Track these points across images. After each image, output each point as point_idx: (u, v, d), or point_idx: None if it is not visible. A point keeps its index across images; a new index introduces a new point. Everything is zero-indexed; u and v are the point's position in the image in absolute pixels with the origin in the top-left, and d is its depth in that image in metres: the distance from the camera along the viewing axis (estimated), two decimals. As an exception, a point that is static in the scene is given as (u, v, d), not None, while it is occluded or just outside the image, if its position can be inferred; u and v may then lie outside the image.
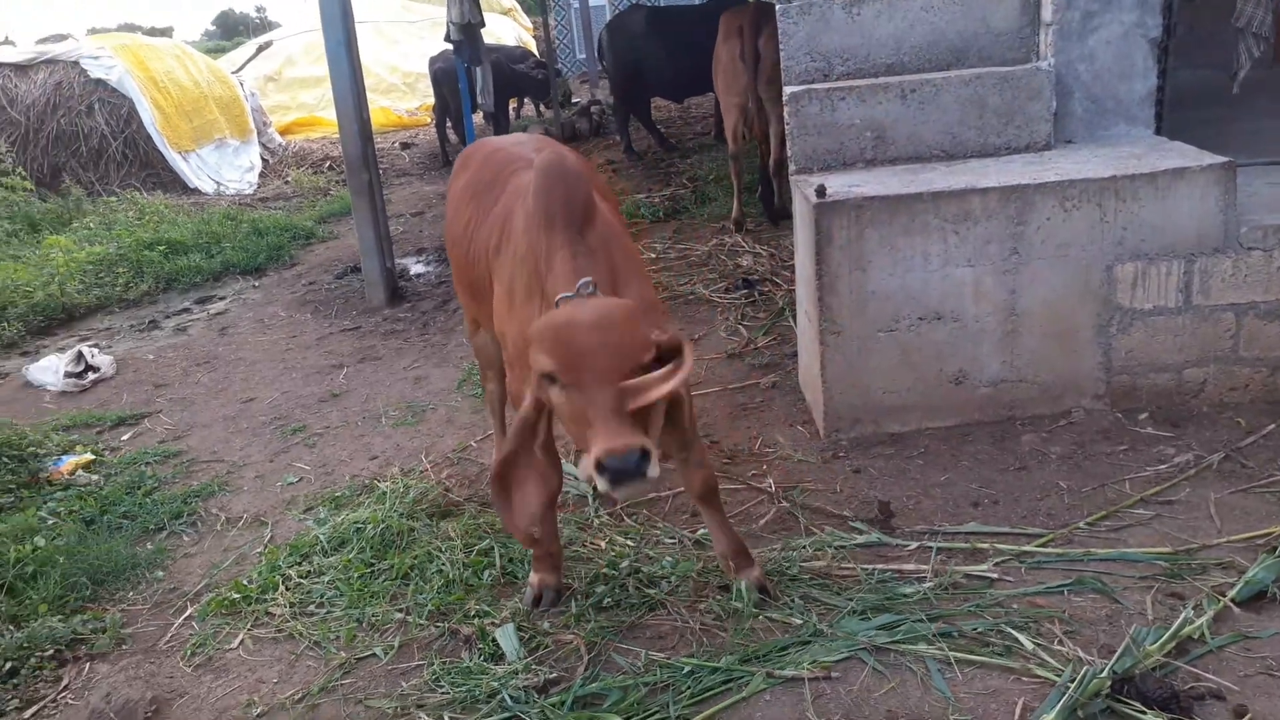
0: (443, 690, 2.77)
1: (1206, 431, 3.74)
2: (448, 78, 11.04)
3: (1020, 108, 4.25)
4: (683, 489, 3.71)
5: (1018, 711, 2.46)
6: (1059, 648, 2.65)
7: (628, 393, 2.21)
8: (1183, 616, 2.68)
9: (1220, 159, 3.80)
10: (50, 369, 5.78)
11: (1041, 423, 3.92)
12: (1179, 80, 6.02)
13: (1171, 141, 4.21)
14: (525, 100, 14.49)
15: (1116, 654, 2.55)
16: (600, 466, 2.12)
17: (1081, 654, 2.61)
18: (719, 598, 3.04)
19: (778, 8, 4.50)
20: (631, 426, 2.17)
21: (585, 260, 2.54)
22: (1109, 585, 2.90)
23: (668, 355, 2.37)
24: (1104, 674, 2.46)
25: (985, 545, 3.16)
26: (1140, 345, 3.92)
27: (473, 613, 3.09)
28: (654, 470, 2.14)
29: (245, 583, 3.41)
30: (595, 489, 2.21)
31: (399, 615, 3.14)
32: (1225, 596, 2.76)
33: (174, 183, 11.50)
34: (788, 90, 4.31)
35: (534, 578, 3.12)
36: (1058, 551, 3.10)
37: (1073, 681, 2.44)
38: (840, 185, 3.98)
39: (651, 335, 2.36)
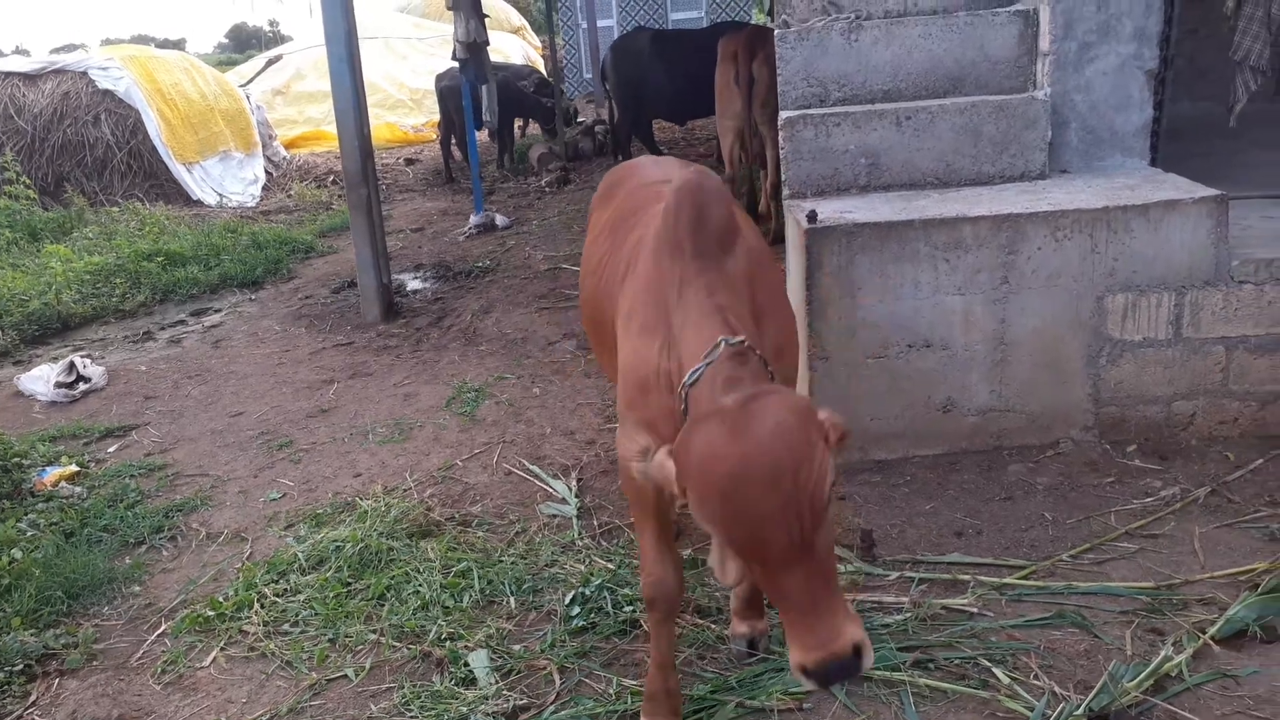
0: (411, 714, 2.74)
1: (1194, 465, 3.71)
2: (453, 95, 11.07)
3: (1015, 136, 4.24)
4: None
5: (991, 748, 2.42)
6: (1035, 682, 2.62)
7: (820, 562, 1.72)
8: (1162, 654, 2.64)
9: (1213, 191, 3.78)
10: (41, 378, 5.78)
11: (1029, 453, 3.89)
12: (1180, 112, 6.02)
13: (1166, 173, 4.19)
14: (530, 120, 14.53)
15: (1094, 690, 2.51)
16: (807, 672, 1.71)
17: (1057, 689, 2.57)
18: (697, 625, 3.01)
19: (776, 33, 4.51)
20: (836, 610, 1.72)
21: (725, 296, 2.17)
22: (1089, 619, 2.86)
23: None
24: (1079, 711, 2.43)
25: (966, 576, 3.12)
26: (1130, 377, 3.89)
27: (446, 635, 3.05)
28: (869, 659, 1.73)
29: (220, 600, 3.38)
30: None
31: (373, 636, 3.11)
32: (1205, 634, 2.72)
33: (177, 194, 11.55)
34: (783, 115, 4.31)
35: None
36: (1039, 584, 3.06)
37: (1045, 717, 2.41)
38: (832, 211, 3.97)
39: (827, 441, 1.79)
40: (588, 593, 3.19)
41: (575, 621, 3.07)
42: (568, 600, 3.18)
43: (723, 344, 2.02)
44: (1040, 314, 3.85)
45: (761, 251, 2.54)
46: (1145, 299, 3.82)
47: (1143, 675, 2.56)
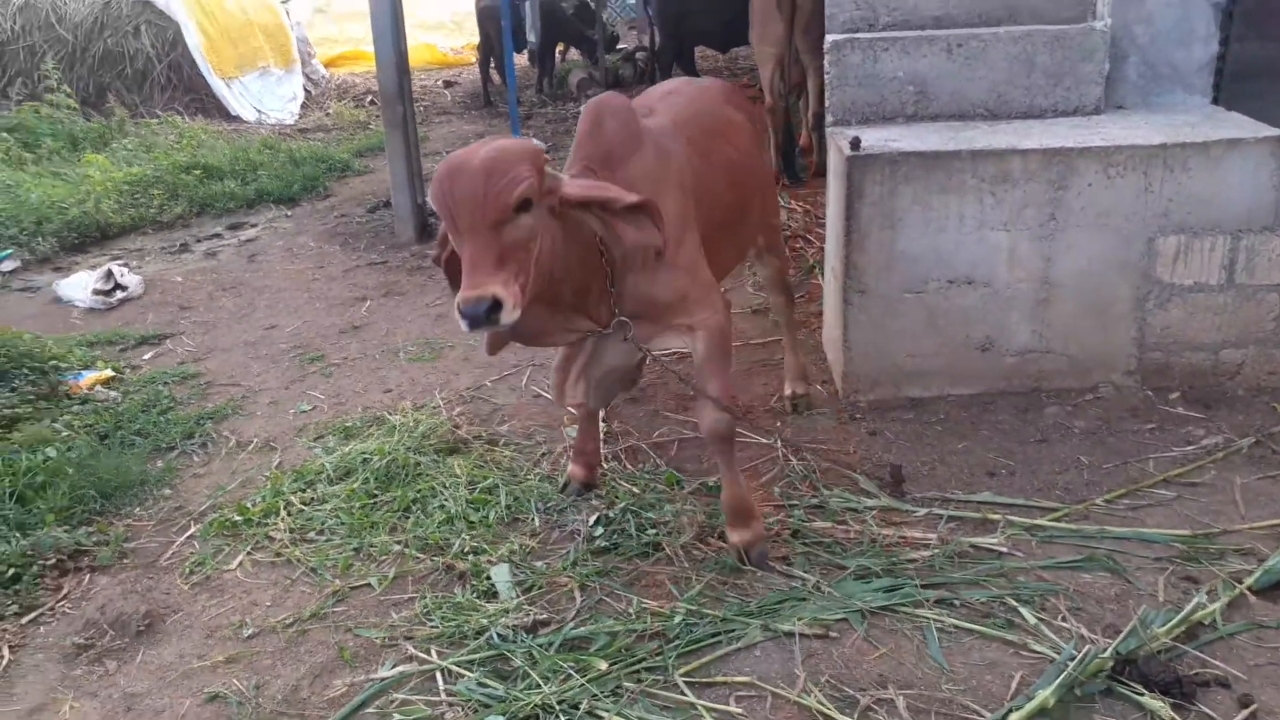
0: (432, 623, 2.76)
1: (1239, 415, 3.61)
2: (493, 16, 10.86)
3: (1071, 69, 4.08)
4: (695, 434, 3.67)
5: (1014, 685, 2.39)
6: (1063, 624, 2.58)
7: (491, 241, 2.30)
8: (1195, 601, 2.59)
9: (1277, 131, 3.63)
10: (79, 285, 5.81)
11: (1067, 396, 3.81)
12: (1251, 52, 5.75)
13: (1228, 112, 4.03)
14: (571, 45, 14.26)
15: (1122, 634, 2.47)
16: (459, 309, 2.25)
17: (1085, 632, 2.54)
18: (721, 549, 2.99)
19: (825, -47, 4.34)
20: (492, 272, 2.27)
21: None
22: (1121, 564, 2.81)
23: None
24: (1107, 654, 2.39)
25: (997, 516, 3.08)
26: (1177, 322, 3.78)
27: (469, 549, 3.06)
28: (508, 317, 2.25)
29: (248, 506, 3.41)
30: None
31: (397, 547, 3.12)
32: (1241, 583, 2.67)
33: (216, 109, 11.48)
34: (830, 38, 4.17)
35: (571, 468, 3.43)
36: (1071, 527, 3.01)
37: (1073, 659, 2.37)
38: (876, 139, 3.85)
39: (531, 178, 2.36)
40: (611, 515, 3.18)
41: (598, 542, 3.06)
42: (591, 521, 3.17)
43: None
44: (1088, 253, 3.73)
45: (664, 178, 2.82)
46: (1199, 242, 3.69)
47: (1174, 622, 2.51)
